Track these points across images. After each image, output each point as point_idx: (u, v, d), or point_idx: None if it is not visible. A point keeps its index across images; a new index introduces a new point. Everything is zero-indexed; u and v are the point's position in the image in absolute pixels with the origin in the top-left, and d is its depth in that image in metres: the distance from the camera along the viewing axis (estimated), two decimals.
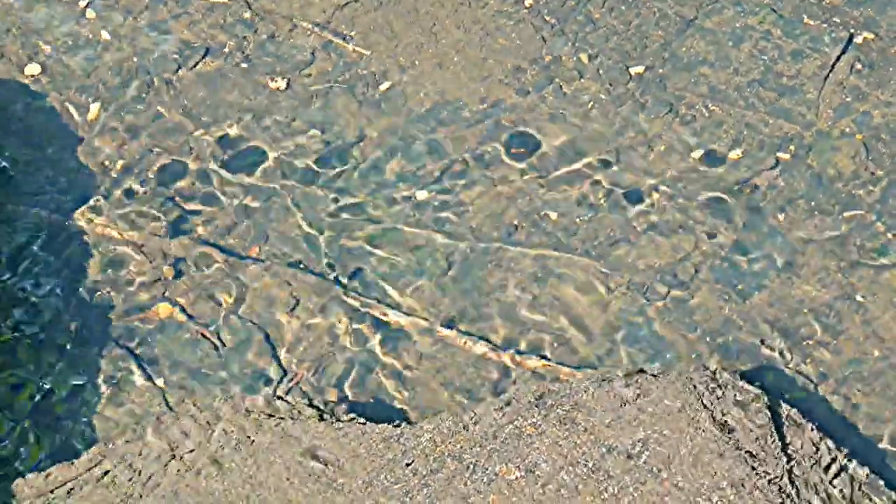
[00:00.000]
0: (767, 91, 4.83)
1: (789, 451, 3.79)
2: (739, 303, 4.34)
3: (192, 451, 3.84)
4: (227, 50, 4.98)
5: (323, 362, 4.22)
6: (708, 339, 4.27)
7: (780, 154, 4.68)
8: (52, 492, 3.81)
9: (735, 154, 4.68)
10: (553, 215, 4.54)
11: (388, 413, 4.10)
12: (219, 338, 4.28)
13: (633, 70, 4.90)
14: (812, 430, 3.85)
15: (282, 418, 3.89)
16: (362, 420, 3.91)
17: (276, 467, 3.78)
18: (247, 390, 4.15)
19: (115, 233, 4.48)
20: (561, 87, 4.86)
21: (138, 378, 4.18)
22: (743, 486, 3.67)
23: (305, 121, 4.79)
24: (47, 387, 4.13)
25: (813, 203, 4.56)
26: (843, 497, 3.76)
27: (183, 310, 4.32)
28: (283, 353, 4.24)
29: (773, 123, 4.75)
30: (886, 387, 4.16)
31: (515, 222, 4.53)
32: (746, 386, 3.90)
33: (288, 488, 3.75)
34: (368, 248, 4.48)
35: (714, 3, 5.09)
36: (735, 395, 3.86)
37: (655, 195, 4.59)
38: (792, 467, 3.76)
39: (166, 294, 4.36)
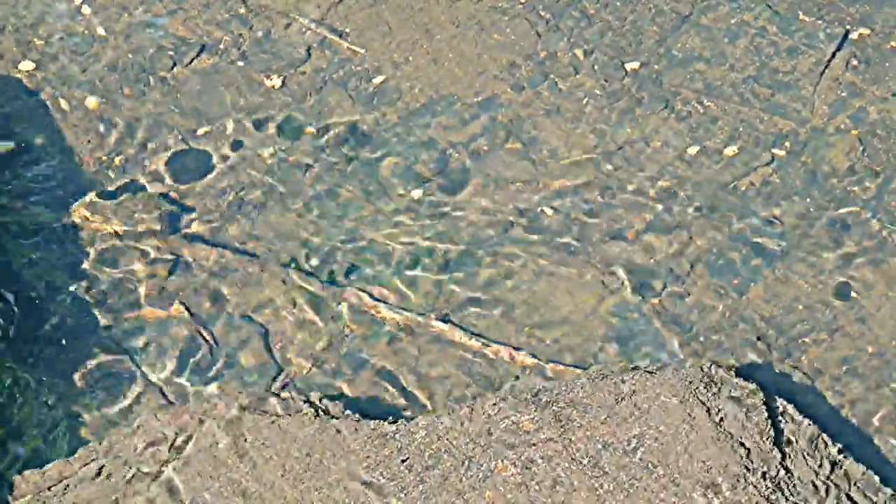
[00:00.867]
0: (763, 87, 4.83)
1: (784, 448, 3.80)
2: (735, 299, 4.34)
3: (187, 447, 3.84)
4: (222, 47, 4.97)
5: (318, 359, 4.22)
6: (703, 335, 4.27)
7: (775, 150, 4.68)
8: (48, 488, 3.81)
9: (730, 150, 4.68)
10: (549, 211, 4.54)
11: (383, 409, 4.10)
12: (213, 335, 4.27)
13: (628, 66, 4.90)
14: (807, 425, 3.85)
15: (277, 415, 3.89)
16: (357, 416, 3.91)
17: (271, 464, 3.78)
18: (242, 387, 4.15)
19: (111, 229, 4.48)
20: (556, 82, 4.86)
21: (134, 374, 4.17)
22: (738, 482, 3.68)
23: (300, 117, 4.78)
24: (41, 382, 4.12)
25: (808, 199, 4.56)
26: (839, 493, 3.76)
27: (179, 306, 4.32)
28: (278, 350, 4.24)
29: (769, 120, 4.75)
30: (881, 383, 4.16)
31: (511, 218, 4.53)
32: (742, 382, 3.90)
33: (283, 485, 3.75)
34: (363, 244, 4.47)
35: None
36: (730, 391, 3.87)
37: (651, 191, 4.59)
38: (787, 463, 3.76)
39: (162, 290, 4.35)
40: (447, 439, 3.80)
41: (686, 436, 3.75)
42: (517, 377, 4.16)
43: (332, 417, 3.90)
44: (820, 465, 3.79)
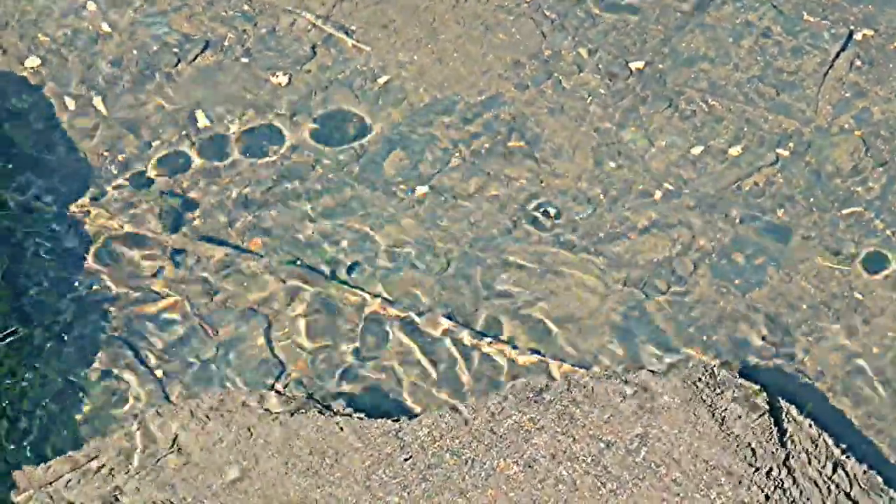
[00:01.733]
0: (767, 87, 4.83)
1: (787, 447, 3.80)
2: (738, 298, 4.34)
3: (189, 444, 3.84)
4: (226, 44, 4.97)
5: (321, 356, 4.22)
6: (707, 334, 4.27)
7: (779, 150, 4.68)
8: (50, 484, 3.81)
9: (735, 150, 4.68)
10: (552, 210, 4.54)
11: (386, 407, 4.10)
12: (216, 332, 4.27)
13: (632, 65, 4.90)
14: (810, 426, 3.86)
15: (280, 412, 3.89)
16: (361, 414, 3.91)
17: (274, 461, 3.78)
18: (245, 384, 4.15)
19: (115, 225, 4.48)
20: (560, 81, 4.86)
21: (137, 371, 4.18)
22: (741, 481, 3.68)
23: (305, 115, 4.78)
24: (46, 379, 4.13)
25: (812, 199, 4.56)
26: (841, 493, 3.76)
27: (183, 303, 4.32)
28: (281, 348, 4.24)
29: (773, 120, 4.75)
30: (885, 383, 4.16)
31: (514, 217, 4.53)
32: (745, 382, 3.90)
33: (286, 482, 3.75)
34: (367, 242, 4.47)
35: None
36: (734, 390, 3.87)
37: (655, 191, 4.59)
38: (790, 463, 3.76)
39: (165, 287, 4.36)
40: (450, 438, 3.80)
41: (689, 436, 3.75)
42: (520, 376, 4.16)
43: (336, 415, 3.90)
44: (823, 466, 3.79)
